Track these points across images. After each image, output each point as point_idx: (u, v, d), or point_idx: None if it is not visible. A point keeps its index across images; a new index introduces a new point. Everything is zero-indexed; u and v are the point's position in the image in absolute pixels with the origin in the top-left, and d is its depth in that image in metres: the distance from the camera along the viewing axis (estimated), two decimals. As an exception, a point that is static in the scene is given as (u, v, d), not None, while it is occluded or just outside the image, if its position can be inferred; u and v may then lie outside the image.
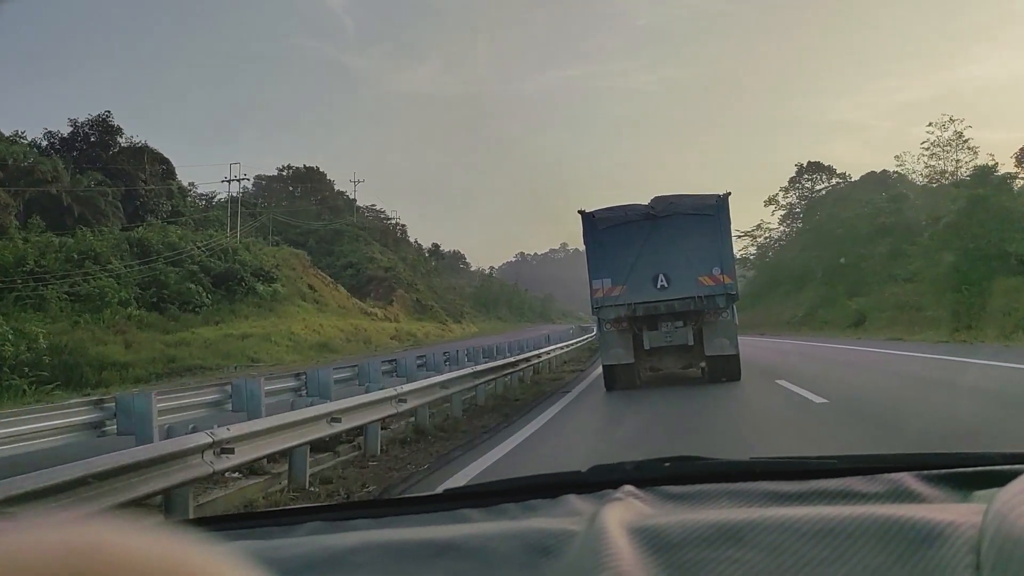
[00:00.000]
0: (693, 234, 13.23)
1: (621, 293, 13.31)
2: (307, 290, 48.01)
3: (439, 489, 1.07)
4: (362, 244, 75.94)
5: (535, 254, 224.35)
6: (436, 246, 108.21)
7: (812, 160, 73.87)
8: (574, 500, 0.95)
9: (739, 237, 69.15)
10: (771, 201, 76.53)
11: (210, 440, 4.55)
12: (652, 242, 13.40)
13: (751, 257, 71.89)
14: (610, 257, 13.43)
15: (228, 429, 4.88)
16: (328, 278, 55.12)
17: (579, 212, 13.57)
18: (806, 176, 76.43)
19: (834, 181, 71.06)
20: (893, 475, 0.91)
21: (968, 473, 0.90)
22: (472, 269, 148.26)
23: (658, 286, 13.33)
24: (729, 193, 13.22)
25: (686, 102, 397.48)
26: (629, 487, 0.95)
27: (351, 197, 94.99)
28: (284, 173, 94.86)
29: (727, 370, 12.90)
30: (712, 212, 13.28)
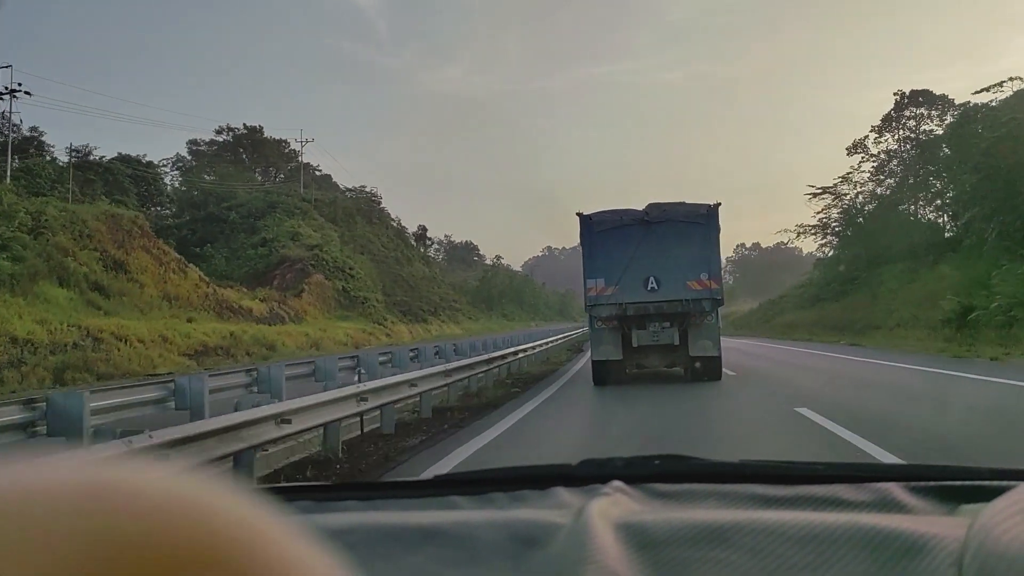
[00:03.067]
0: (684, 240, 13.79)
1: (613, 293, 13.89)
2: (93, 269, 30.44)
3: (428, 475, 1.10)
4: (297, 219, 59.85)
5: (563, 248, 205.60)
6: (423, 228, 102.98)
7: (917, 88, 52.82)
8: (562, 493, 0.94)
9: (817, 195, 50.46)
10: (857, 147, 54.14)
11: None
12: (645, 246, 13.82)
13: (835, 223, 51.16)
14: (604, 258, 14.02)
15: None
16: (174, 255, 38.66)
17: (577, 214, 14.38)
18: (907, 112, 52.80)
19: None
20: (880, 484, 0.90)
21: (955, 487, 0.90)
22: (487, 262, 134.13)
23: (648, 288, 13.82)
24: (719, 203, 14.04)
25: (717, 97, 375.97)
26: (618, 483, 0.94)
27: (324, 172, 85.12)
28: (223, 137, 79.22)
29: (708, 370, 13.80)
30: (703, 220, 13.89)
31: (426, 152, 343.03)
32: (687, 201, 14.25)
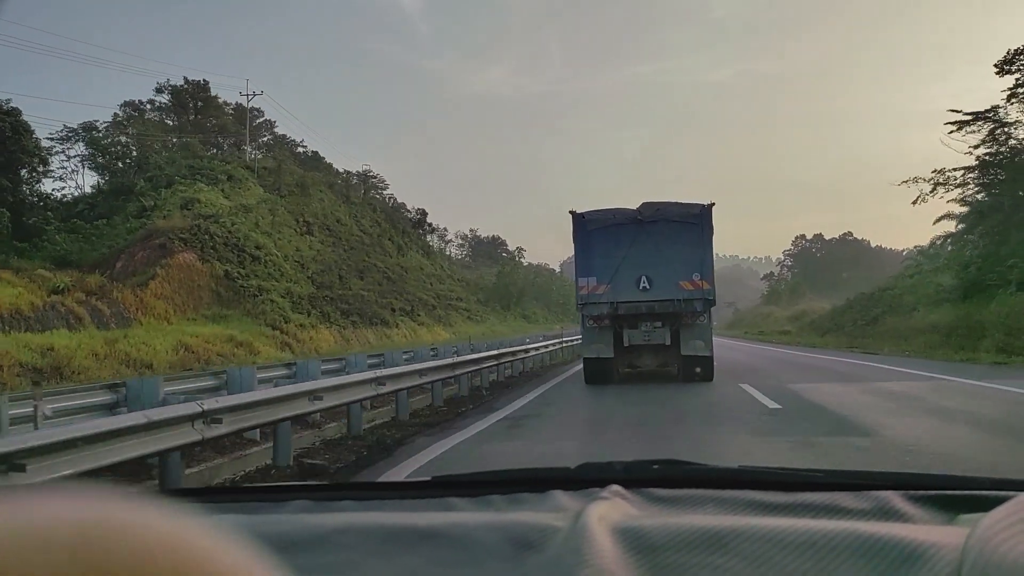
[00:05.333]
0: (676, 240, 13.66)
1: (605, 292, 13.73)
2: None
3: (428, 476, 1.20)
4: (214, 186, 45.14)
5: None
6: (422, 212, 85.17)
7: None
8: (561, 496, 0.95)
9: (964, 125, 32.44)
10: (1012, 61, 31.75)
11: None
12: (637, 245, 13.70)
13: (993, 154, 32.24)
14: (597, 257, 13.90)
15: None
16: None
17: (570, 212, 14.41)
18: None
19: None
20: (880, 493, 0.92)
21: (954, 496, 0.92)
22: (517, 258, 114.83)
23: (640, 287, 13.64)
24: (713, 203, 13.94)
25: (764, 94, 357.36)
26: (616, 487, 0.95)
27: (308, 147, 74.06)
28: (161, 97, 61.78)
29: (700, 371, 13.86)
30: (696, 221, 13.76)
31: (465, 153, 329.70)
32: (682, 201, 14.50)
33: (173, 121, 65.00)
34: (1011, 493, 0.76)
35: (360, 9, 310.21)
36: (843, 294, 63.90)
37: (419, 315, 56.93)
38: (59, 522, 0.27)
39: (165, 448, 4.80)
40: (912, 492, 0.89)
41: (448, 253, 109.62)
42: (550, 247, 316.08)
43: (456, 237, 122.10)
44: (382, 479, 5.43)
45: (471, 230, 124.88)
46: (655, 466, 1.04)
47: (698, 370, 13.79)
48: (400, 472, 6.89)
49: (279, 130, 79.49)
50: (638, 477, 0.98)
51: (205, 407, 5.14)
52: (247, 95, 61.65)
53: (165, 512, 0.30)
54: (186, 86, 64.90)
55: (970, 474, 1.01)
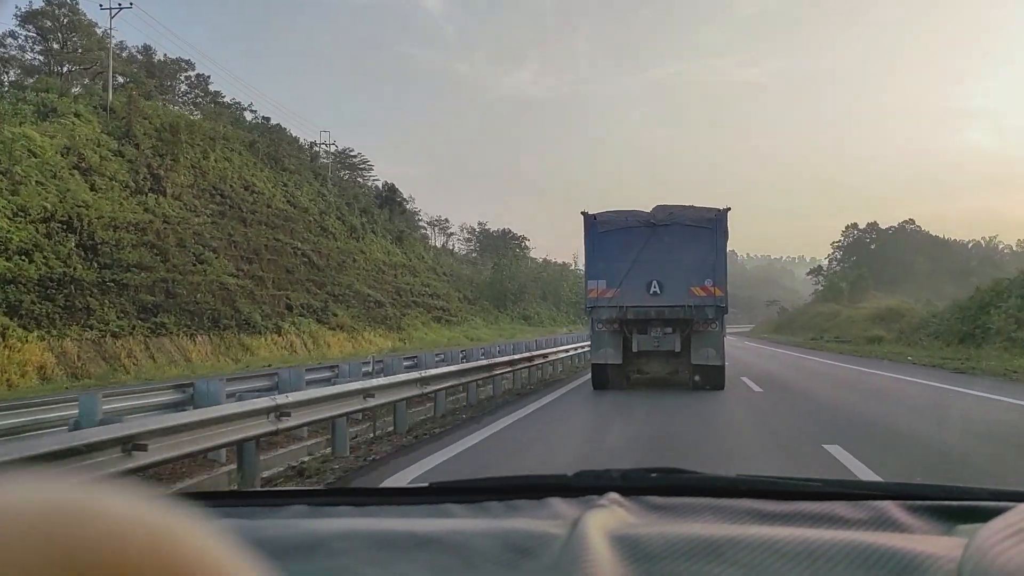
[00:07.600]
0: (689, 245, 13.23)
1: (615, 296, 13.36)
2: None
3: (425, 482, 1.24)
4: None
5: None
6: (390, 188, 71.34)
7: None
8: (558, 503, 0.96)
9: None
10: None
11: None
12: (649, 249, 13.34)
13: None
14: (607, 260, 13.53)
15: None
16: None
17: (582, 213, 14.38)
18: None
19: None
20: (877, 503, 0.93)
21: (952, 507, 0.93)
22: (531, 254, 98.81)
23: (651, 292, 13.17)
24: (728, 208, 13.54)
25: (795, 93, 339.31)
26: (614, 494, 0.96)
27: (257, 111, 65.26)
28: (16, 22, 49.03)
29: (711, 379, 13.55)
30: (710, 226, 13.32)
31: (485, 150, 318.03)
32: (697, 204, 14.46)
33: (42, 56, 49.29)
34: (1009, 504, 0.76)
35: (384, 8, 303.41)
36: (912, 289, 45.74)
37: (334, 315, 40.47)
38: (30, 509, 0.26)
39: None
40: (910, 502, 0.87)
41: (451, 247, 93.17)
42: (570, 243, 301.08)
43: (461, 230, 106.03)
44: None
45: (479, 223, 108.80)
46: (653, 474, 1.02)
47: (698, 378, 14.22)
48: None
49: (214, 87, 64.15)
50: (636, 485, 0.96)
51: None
52: (109, 9, 45.70)
53: (146, 504, 0.29)
54: (47, 7, 49.03)
55: (968, 485, 1.08)
